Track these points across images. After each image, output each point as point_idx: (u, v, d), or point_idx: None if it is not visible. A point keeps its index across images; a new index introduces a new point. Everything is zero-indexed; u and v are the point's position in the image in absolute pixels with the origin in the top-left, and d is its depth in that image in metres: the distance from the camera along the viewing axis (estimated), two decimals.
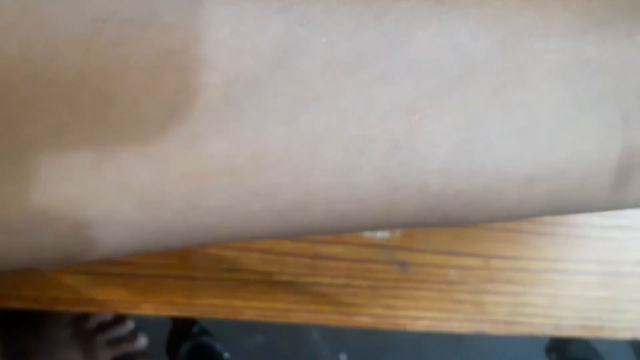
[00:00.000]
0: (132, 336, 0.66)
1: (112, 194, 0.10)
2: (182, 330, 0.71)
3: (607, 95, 0.11)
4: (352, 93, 0.10)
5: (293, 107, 0.10)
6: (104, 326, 0.64)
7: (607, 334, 0.32)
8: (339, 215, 0.11)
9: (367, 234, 0.30)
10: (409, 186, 0.11)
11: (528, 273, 0.31)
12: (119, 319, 0.66)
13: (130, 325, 0.67)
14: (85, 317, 0.62)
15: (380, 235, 0.30)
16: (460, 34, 0.10)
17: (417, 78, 0.10)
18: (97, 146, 0.09)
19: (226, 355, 0.71)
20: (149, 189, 0.10)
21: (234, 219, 0.11)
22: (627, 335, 0.32)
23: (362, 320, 0.31)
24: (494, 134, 0.10)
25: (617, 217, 0.31)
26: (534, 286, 0.31)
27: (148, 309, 0.30)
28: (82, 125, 0.09)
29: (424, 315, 0.31)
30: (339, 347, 0.85)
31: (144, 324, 0.69)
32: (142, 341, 0.67)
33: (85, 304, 0.29)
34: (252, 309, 0.30)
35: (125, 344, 0.65)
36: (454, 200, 0.11)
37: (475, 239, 0.31)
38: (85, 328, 0.62)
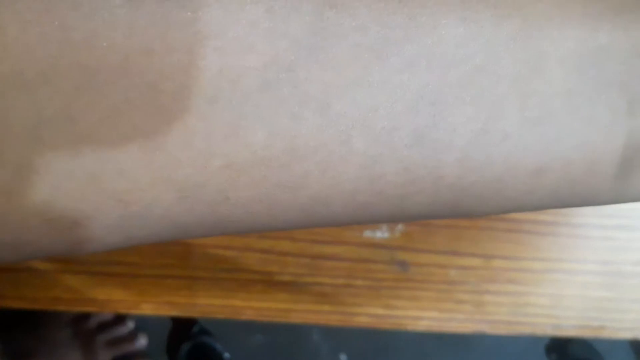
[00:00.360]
0: (132, 336, 0.66)
1: (157, 186, 0.10)
2: (182, 330, 0.71)
3: (614, 82, 0.11)
4: (382, 80, 0.10)
5: (327, 95, 0.10)
6: (104, 326, 0.64)
7: (607, 334, 0.32)
8: (357, 207, 0.11)
9: (367, 234, 0.30)
10: (426, 178, 0.11)
11: (529, 273, 0.31)
12: (119, 319, 0.66)
13: (130, 325, 0.67)
14: (85, 317, 0.62)
15: (380, 235, 0.30)
16: (484, 20, 0.10)
17: (442, 66, 0.10)
18: (147, 137, 0.09)
19: (226, 355, 0.71)
20: (190, 181, 0.10)
21: (259, 212, 0.11)
22: (628, 335, 0.32)
23: (362, 320, 0.31)
24: (509, 124, 0.10)
25: (618, 217, 0.31)
26: (534, 286, 0.31)
27: (148, 309, 0.30)
28: (134, 113, 0.09)
29: (424, 315, 0.31)
30: (339, 347, 0.85)
31: (144, 324, 0.69)
32: (142, 341, 0.67)
33: (85, 304, 0.29)
34: (252, 309, 0.30)
35: (125, 344, 0.65)
36: (466, 191, 0.11)
37: (475, 239, 0.31)
38: (85, 328, 0.62)
